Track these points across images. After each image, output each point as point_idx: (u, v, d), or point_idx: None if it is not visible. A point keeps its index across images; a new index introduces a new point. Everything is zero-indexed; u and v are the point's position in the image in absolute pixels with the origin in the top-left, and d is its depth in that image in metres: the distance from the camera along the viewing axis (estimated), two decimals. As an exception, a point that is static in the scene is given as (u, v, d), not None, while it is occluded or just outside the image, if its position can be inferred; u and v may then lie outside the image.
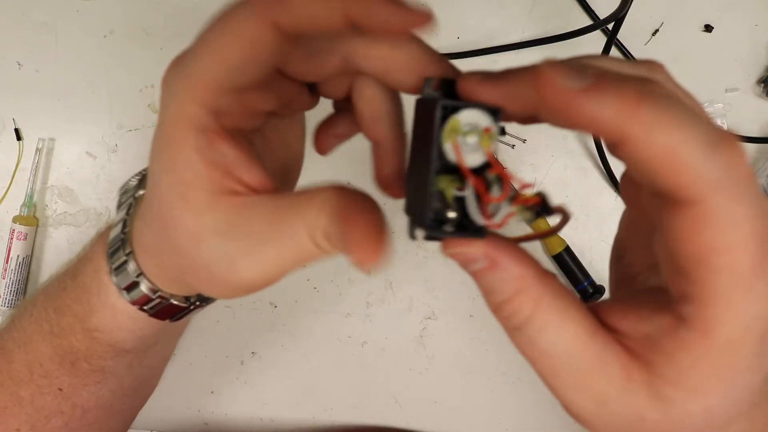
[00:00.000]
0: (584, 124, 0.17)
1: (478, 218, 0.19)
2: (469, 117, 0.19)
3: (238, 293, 0.24)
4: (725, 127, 0.51)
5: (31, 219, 0.49)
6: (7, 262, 0.49)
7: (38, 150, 0.50)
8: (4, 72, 0.51)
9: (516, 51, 0.52)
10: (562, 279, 0.51)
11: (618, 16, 0.43)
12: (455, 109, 0.19)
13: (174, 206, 0.22)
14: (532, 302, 0.20)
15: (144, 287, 0.28)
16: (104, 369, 0.33)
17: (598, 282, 0.51)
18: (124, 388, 0.36)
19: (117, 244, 0.29)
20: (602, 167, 0.52)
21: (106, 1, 0.51)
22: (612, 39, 0.46)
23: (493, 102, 0.20)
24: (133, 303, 0.29)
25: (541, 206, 0.20)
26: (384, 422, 0.52)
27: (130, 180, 0.31)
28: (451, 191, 0.20)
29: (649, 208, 0.21)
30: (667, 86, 0.19)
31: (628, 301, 0.21)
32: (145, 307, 0.29)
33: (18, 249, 0.49)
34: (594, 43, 0.51)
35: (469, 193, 0.19)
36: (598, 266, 0.52)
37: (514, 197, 0.20)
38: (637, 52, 0.52)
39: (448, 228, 0.20)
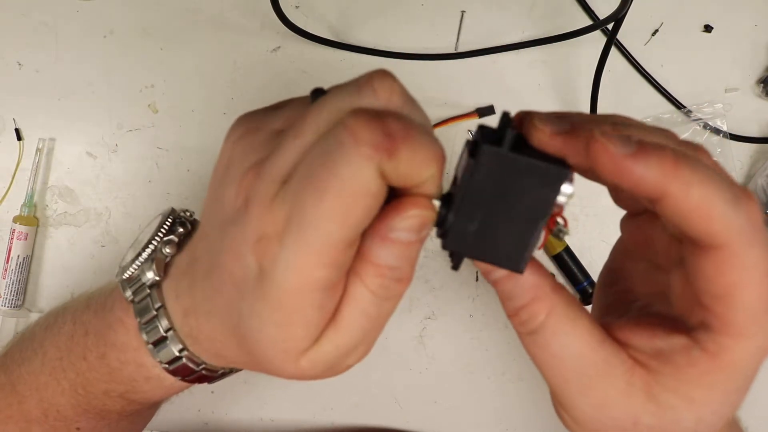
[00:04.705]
0: (632, 182, 0.19)
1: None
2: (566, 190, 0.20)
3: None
4: (725, 127, 0.51)
5: (31, 219, 0.49)
6: (7, 262, 0.49)
7: (38, 150, 0.50)
8: (4, 72, 0.51)
9: (516, 51, 0.52)
10: (562, 279, 0.51)
11: (618, 16, 0.43)
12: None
13: (275, 358, 0.22)
14: (546, 309, 0.22)
15: (187, 361, 0.28)
16: (133, 413, 0.33)
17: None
18: (139, 424, 0.37)
19: (154, 329, 0.27)
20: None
21: (106, 1, 0.51)
22: (612, 39, 0.46)
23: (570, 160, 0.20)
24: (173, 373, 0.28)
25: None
26: (384, 422, 0.52)
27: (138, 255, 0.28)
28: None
29: (666, 250, 0.23)
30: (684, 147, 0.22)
31: (639, 321, 0.23)
32: (187, 378, 0.29)
33: (18, 249, 0.49)
34: (594, 42, 0.51)
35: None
36: (598, 266, 0.51)
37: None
38: (637, 52, 0.52)
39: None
